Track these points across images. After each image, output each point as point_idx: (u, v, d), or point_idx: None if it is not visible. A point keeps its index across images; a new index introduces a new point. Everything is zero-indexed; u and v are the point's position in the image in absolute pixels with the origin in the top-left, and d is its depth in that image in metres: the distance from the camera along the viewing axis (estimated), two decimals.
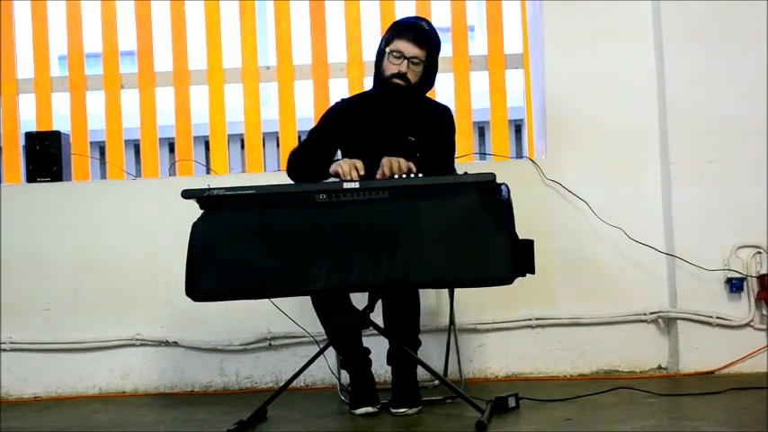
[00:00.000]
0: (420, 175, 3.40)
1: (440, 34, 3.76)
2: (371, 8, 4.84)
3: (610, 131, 4.43)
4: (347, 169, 3.47)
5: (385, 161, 3.48)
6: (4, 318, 4.47)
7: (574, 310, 4.39)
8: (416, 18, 3.83)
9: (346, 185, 3.36)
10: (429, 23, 3.76)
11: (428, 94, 3.89)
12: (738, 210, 4.27)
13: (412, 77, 3.68)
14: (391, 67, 3.68)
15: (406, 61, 3.66)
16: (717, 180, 4.28)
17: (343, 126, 3.78)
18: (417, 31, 3.67)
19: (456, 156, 3.90)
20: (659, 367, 4.37)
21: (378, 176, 3.46)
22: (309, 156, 3.70)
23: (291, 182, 3.74)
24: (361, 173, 3.46)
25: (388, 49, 3.70)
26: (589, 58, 4.44)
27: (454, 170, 3.77)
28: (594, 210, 4.36)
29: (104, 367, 4.46)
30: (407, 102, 3.72)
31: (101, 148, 5.27)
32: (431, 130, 3.75)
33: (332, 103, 4.24)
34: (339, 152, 3.94)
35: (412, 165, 3.48)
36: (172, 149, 5.29)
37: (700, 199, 4.29)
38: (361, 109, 3.79)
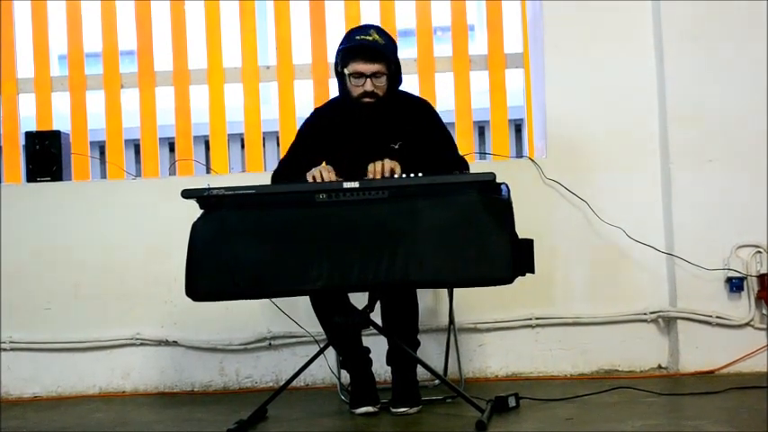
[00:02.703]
0: (420, 174, 3.40)
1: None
2: (371, 8, 4.84)
3: (610, 131, 4.43)
4: (317, 174, 3.47)
5: (370, 167, 3.47)
6: (4, 317, 4.47)
7: (574, 309, 4.39)
8: (363, 29, 3.70)
9: (346, 185, 3.36)
10: (377, 29, 3.67)
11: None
12: (738, 210, 4.27)
13: (380, 91, 3.63)
14: (356, 89, 3.62)
15: (368, 79, 3.61)
16: (717, 180, 4.28)
17: (323, 138, 3.73)
18: (367, 49, 3.59)
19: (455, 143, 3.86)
20: (659, 367, 4.37)
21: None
22: (290, 175, 3.64)
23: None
24: (327, 178, 3.46)
25: (346, 72, 3.63)
26: (589, 58, 4.44)
27: (463, 160, 3.73)
28: (594, 210, 4.36)
29: (104, 367, 4.47)
30: (384, 112, 3.69)
31: (101, 148, 5.26)
32: (417, 128, 3.71)
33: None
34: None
35: (396, 164, 3.47)
36: (172, 149, 5.29)
37: (700, 199, 4.29)
38: (340, 120, 3.73)
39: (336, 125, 3.74)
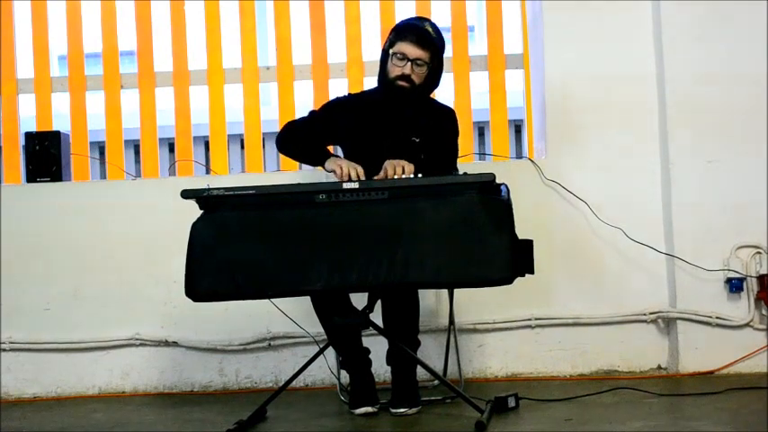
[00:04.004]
0: (420, 175, 3.41)
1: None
2: (371, 8, 4.84)
3: (610, 131, 4.43)
4: (346, 170, 3.50)
5: (388, 163, 3.49)
6: (4, 318, 4.47)
7: (573, 310, 4.39)
8: (419, 19, 3.82)
9: (346, 185, 3.36)
10: (432, 24, 3.75)
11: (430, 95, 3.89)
12: (738, 210, 4.27)
13: (416, 79, 3.69)
14: (395, 70, 3.69)
15: (409, 63, 3.66)
16: (717, 180, 4.28)
17: (343, 118, 3.78)
18: (419, 33, 3.67)
19: (458, 157, 3.90)
20: (659, 367, 4.36)
21: (377, 178, 3.47)
22: (301, 137, 3.75)
23: (285, 181, 3.76)
24: (362, 178, 3.49)
25: (391, 51, 3.70)
26: (589, 58, 4.44)
27: (456, 172, 3.76)
28: (594, 210, 4.36)
29: (104, 367, 4.46)
30: (411, 103, 3.72)
31: (100, 149, 5.27)
32: (434, 131, 3.75)
33: None
34: (339, 149, 3.95)
35: (412, 167, 3.48)
36: (172, 149, 5.29)
37: (700, 199, 4.29)
38: (365, 107, 3.79)
39: (363, 111, 3.78)
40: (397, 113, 3.74)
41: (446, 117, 3.83)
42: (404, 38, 3.68)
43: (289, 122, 3.87)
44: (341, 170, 3.52)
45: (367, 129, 3.75)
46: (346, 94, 3.95)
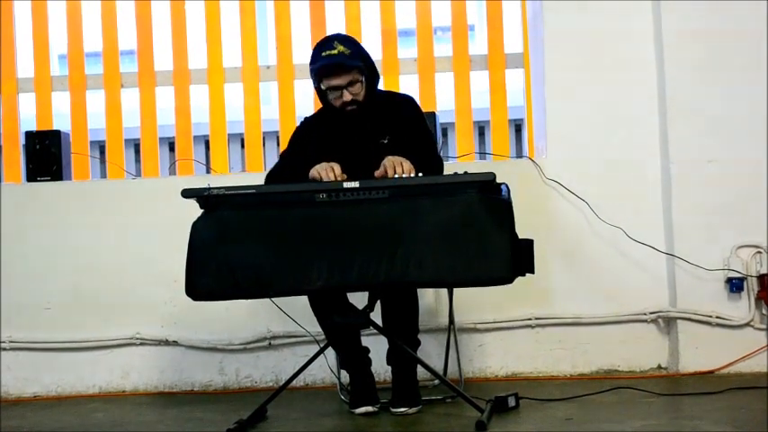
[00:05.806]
0: (420, 174, 3.40)
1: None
2: (371, 8, 4.84)
3: (610, 131, 4.43)
4: (324, 173, 3.48)
5: (387, 161, 3.48)
6: (4, 317, 4.47)
7: (573, 309, 4.39)
8: (327, 43, 3.66)
9: (346, 185, 3.36)
10: (340, 39, 3.67)
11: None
12: (738, 210, 4.27)
13: (359, 97, 3.65)
14: (337, 101, 3.65)
15: (344, 90, 3.63)
16: (717, 180, 4.28)
17: (313, 142, 3.74)
18: (333, 65, 3.60)
19: (438, 143, 3.87)
20: (659, 367, 4.37)
21: (377, 175, 3.47)
22: (286, 176, 3.66)
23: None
24: (337, 172, 3.48)
25: (323, 87, 3.67)
26: (589, 58, 4.44)
27: (440, 159, 3.74)
28: (594, 210, 4.36)
29: (104, 366, 4.47)
30: (369, 111, 3.70)
31: (101, 148, 5.27)
32: (402, 122, 3.72)
33: None
34: None
35: (411, 165, 3.47)
36: (172, 149, 5.29)
37: (700, 199, 4.29)
38: (329, 125, 3.74)
39: (326, 129, 3.74)
40: (359, 126, 3.70)
41: (405, 106, 3.77)
42: (325, 74, 3.63)
43: (268, 174, 3.78)
44: (319, 175, 3.50)
45: (336, 141, 3.70)
46: (304, 119, 3.89)
